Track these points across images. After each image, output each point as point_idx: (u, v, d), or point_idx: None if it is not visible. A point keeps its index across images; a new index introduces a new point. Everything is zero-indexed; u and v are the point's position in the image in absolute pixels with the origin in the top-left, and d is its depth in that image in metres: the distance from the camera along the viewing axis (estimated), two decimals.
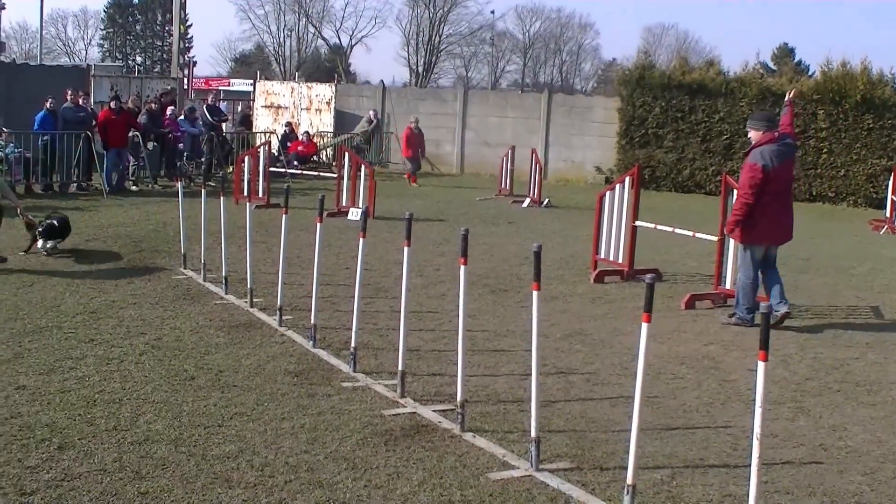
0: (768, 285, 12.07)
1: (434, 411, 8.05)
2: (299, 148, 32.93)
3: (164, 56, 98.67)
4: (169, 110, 27.93)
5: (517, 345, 10.41)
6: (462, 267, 7.57)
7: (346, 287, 12.25)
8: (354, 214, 20.39)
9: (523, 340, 10.11)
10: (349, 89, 42.32)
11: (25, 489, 6.09)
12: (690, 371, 9.88)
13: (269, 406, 8.02)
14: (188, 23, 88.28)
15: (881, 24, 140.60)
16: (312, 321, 10.04)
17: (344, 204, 21.70)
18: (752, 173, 11.66)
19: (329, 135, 37.25)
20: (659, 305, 12.38)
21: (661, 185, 33.07)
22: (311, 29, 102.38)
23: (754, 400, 5.44)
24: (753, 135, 12.03)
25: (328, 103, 38.19)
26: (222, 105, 40.56)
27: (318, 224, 10.09)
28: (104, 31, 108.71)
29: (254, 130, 34.69)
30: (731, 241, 12.55)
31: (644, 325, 5.89)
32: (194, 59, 76.33)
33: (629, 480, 5.99)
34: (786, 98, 13.10)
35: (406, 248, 8.35)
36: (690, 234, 14.67)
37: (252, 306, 11.62)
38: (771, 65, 78.48)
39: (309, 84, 40.78)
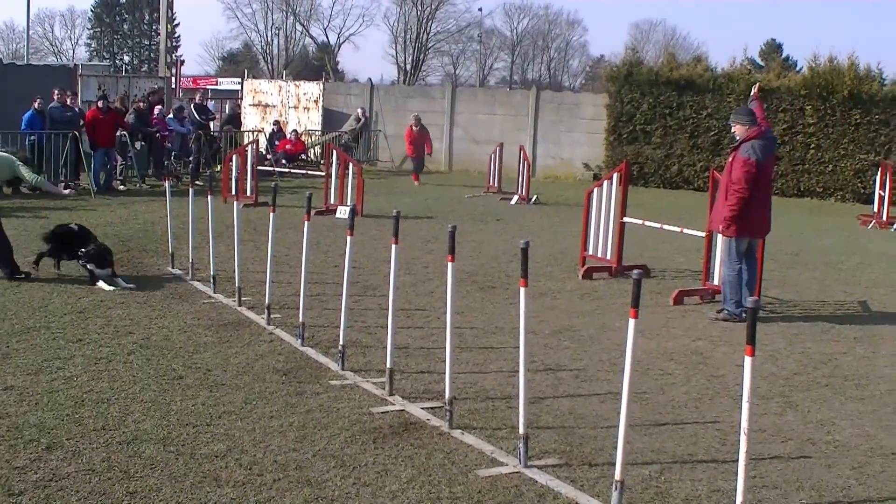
0: (746, 279, 12.10)
1: (422, 409, 8.05)
2: (287, 146, 32.90)
3: (152, 55, 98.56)
4: (157, 109, 27.89)
5: (505, 342, 10.41)
6: (450, 264, 7.57)
7: (334, 285, 12.24)
8: (342, 213, 20.38)
9: (511, 337, 10.11)
10: (337, 87, 42.32)
11: (13, 489, 6.07)
12: (679, 367, 9.89)
13: (258, 404, 8.01)
14: (175, 22, 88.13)
15: (869, 20, 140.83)
16: (301, 319, 10.04)
17: (332, 202, 21.68)
18: (746, 168, 11.69)
19: (317, 133, 37.22)
20: (647, 301, 12.43)
21: (649, 182, 33.10)
22: (299, 27, 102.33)
23: (742, 395, 5.44)
24: (739, 130, 12.06)
25: (316, 101, 38.16)
26: (210, 104, 40.49)
27: (306, 222, 10.09)
28: (91, 31, 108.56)
29: (242, 129, 34.65)
30: (719, 237, 12.53)
31: (631, 321, 5.89)
32: (182, 58, 76.18)
33: (617, 476, 5.99)
34: (751, 93, 13.15)
35: (394, 246, 8.35)
36: (679, 230, 14.70)
37: (240, 305, 11.61)
38: (759, 60, 78.66)
39: (297, 82, 40.75)
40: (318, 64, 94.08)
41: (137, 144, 26.25)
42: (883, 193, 25.01)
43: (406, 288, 12.80)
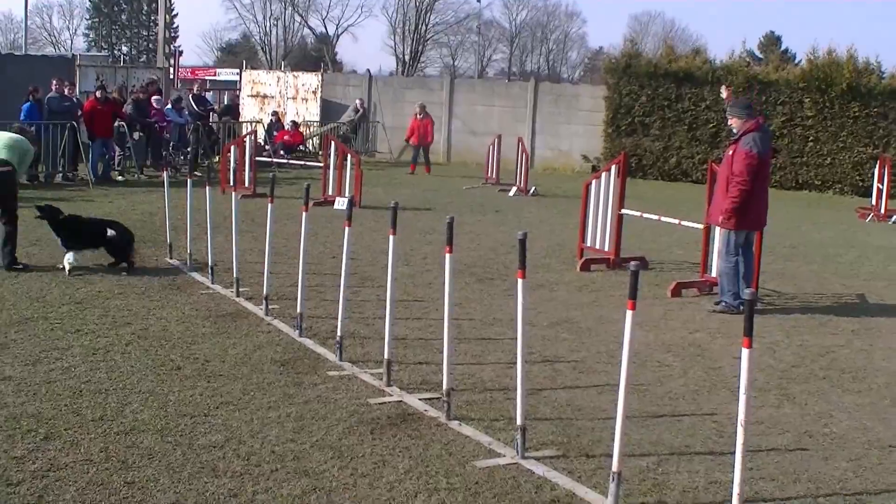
0: (743, 271, 12.11)
1: (420, 400, 8.06)
2: (285, 137, 32.90)
3: (150, 46, 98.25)
4: (155, 100, 27.86)
5: (503, 333, 10.42)
6: (448, 255, 7.57)
7: (332, 276, 12.24)
8: (341, 203, 20.38)
9: (509, 329, 10.10)
10: (336, 78, 42.29)
11: (11, 480, 6.08)
12: (677, 359, 9.90)
13: (256, 395, 8.02)
14: (174, 12, 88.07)
15: (868, 13, 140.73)
16: (299, 310, 10.04)
17: (330, 193, 21.67)
18: (749, 160, 11.70)
19: (315, 124, 37.19)
20: (645, 293, 12.45)
21: (647, 174, 33.12)
22: (298, 18, 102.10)
23: (740, 387, 5.45)
24: (736, 123, 12.08)
25: (314, 92, 38.12)
26: (208, 95, 40.47)
27: (304, 213, 10.10)
28: (89, 21, 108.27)
29: (240, 120, 34.62)
30: (717, 229, 12.51)
31: (629, 313, 5.89)
32: (180, 49, 76.35)
33: (615, 468, 6.00)
34: (724, 97, 13.17)
35: (392, 237, 8.35)
36: (677, 222, 14.70)
37: (238, 296, 11.61)
38: (757, 53, 78.59)
39: (295, 73, 40.69)
40: (316, 55, 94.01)
41: (136, 135, 26.22)
42: (881, 186, 25.02)
43: (404, 279, 12.80)
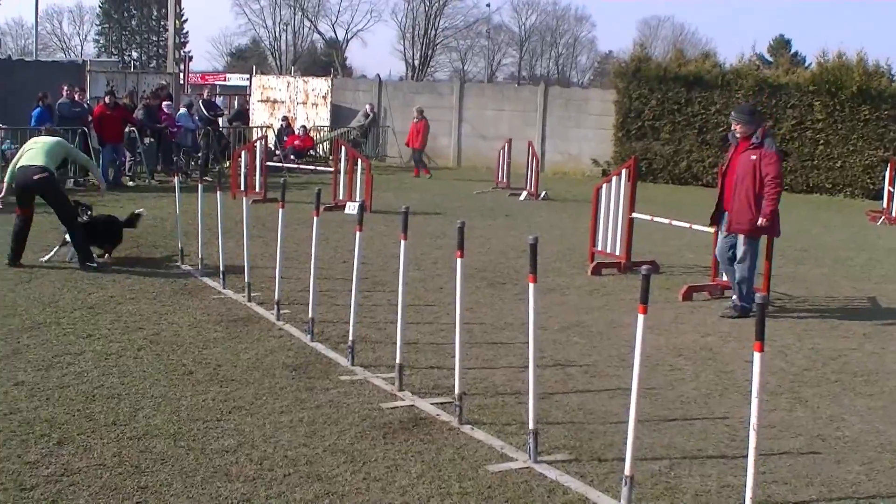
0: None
1: (432, 404, 8.07)
2: (296, 142, 32.95)
3: (160, 51, 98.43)
4: (165, 105, 27.92)
5: (515, 337, 10.42)
6: (458, 260, 7.58)
7: (343, 281, 12.26)
8: (351, 208, 20.39)
9: (521, 333, 10.10)
10: (345, 83, 42.31)
11: (25, 484, 6.10)
12: (688, 362, 9.90)
13: (268, 400, 8.03)
14: (184, 18, 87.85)
15: (878, 16, 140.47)
16: (310, 315, 10.05)
17: (341, 198, 21.68)
18: (779, 162, 11.89)
19: (325, 129, 37.24)
20: (656, 297, 12.44)
21: (658, 177, 33.08)
22: (307, 23, 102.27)
23: (751, 391, 5.45)
24: (741, 128, 12.04)
25: (324, 97, 38.18)
26: (218, 100, 40.52)
27: (315, 218, 10.11)
28: (100, 27, 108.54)
29: (250, 125, 34.68)
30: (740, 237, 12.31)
31: (640, 317, 5.89)
32: (190, 54, 76.21)
33: (627, 472, 6.00)
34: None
35: (403, 242, 8.36)
36: (687, 226, 14.68)
37: (250, 300, 11.63)
38: (767, 56, 78.39)
39: (305, 78, 40.73)
40: (326, 60, 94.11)
41: (146, 140, 26.28)
42: (892, 189, 24.95)
43: (415, 283, 12.81)
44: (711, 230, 13.14)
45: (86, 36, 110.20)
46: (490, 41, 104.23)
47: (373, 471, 6.57)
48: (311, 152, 34.30)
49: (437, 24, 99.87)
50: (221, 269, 12.48)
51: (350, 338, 9.20)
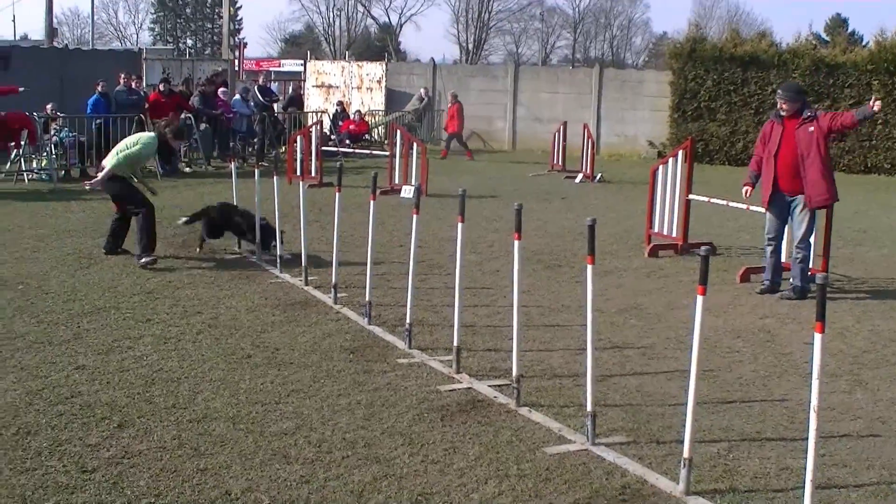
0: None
1: (490, 386, 8.07)
2: (351, 127, 32.99)
3: (215, 38, 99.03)
4: (221, 92, 28.07)
5: (572, 320, 10.40)
6: (516, 242, 7.57)
7: (399, 264, 12.30)
8: (407, 192, 20.42)
9: (578, 315, 10.09)
10: (399, 67, 42.32)
11: (87, 467, 6.16)
12: (746, 344, 9.84)
13: (326, 383, 8.06)
14: (238, 4, 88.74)
15: None
16: (367, 298, 10.08)
17: (396, 182, 21.70)
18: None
19: (380, 113, 37.30)
20: (714, 279, 12.34)
21: (714, 159, 32.87)
22: (361, 8, 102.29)
23: (811, 373, 5.41)
24: (789, 106, 11.93)
25: (379, 82, 38.25)
26: (273, 86, 40.68)
27: (372, 202, 10.13)
28: (154, 15, 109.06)
29: (305, 110, 34.80)
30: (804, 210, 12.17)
31: (699, 298, 5.86)
32: (244, 41, 76.53)
33: (686, 454, 5.98)
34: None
35: (460, 224, 8.36)
36: (744, 207, 14.57)
37: (307, 285, 11.68)
38: (824, 35, 77.64)
39: (359, 63, 40.81)
40: (380, 44, 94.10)
41: (202, 126, 26.43)
42: None
43: (472, 266, 12.81)
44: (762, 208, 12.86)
45: (141, 24, 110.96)
46: (544, 24, 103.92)
47: (430, 453, 6.59)
48: (367, 137, 34.34)
49: (490, 7, 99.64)
50: (279, 253, 12.54)
51: (407, 321, 9.22)
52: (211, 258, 13.31)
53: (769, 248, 12.28)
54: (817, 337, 5.27)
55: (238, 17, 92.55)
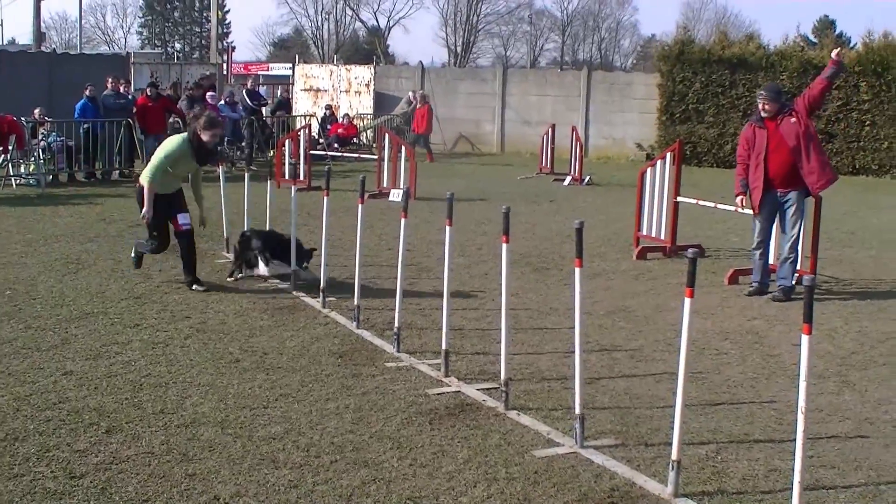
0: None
1: (478, 390, 8.07)
2: (339, 130, 32.99)
3: (203, 42, 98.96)
4: (209, 96, 28.04)
5: (560, 322, 10.41)
6: (504, 245, 7.57)
7: (388, 268, 12.30)
8: (395, 195, 20.41)
9: (566, 318, 10.09)
10: (388, 71, 42.35)
11: (75, 472, 6.15)
12: (735, 346, 9.85)
13: (314, 387, 8.06)
14: (226, 8, 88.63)
15: None
16: (356, 302, 10.07)
17: (385, 185, 21.72)
18: None
19: (369, 117, 37.30)
20: (702, 281, 12.39)
21: (702, 161, 32.93)
22: (349, 11, 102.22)
23: (798, 374, 5.41)
24: (771, 107, 11.96)
25: (367, 85, 38.27)
26: (262, 89, 40.67)
27: (360, 205, 10.12)
28: (143, 19, 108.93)
29: (293, 114, 34.79)
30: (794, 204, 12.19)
31: (687, 301, 5.87)
32: (233, 45, 76.72)
33: (674, 456, 5.98)
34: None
35: (448, 228, 8.36)
36: (733, 209, 14.58)
37: (295, 289, 11.67)
38: (812, 37, 77.81)
39: (348, 66, 40.83)
40: (368, 48, 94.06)
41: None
42: None
43: (460, 270, 12.82)
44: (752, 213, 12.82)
45: (129, 28, 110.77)
46: (532, 26, 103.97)
47: (419, 456, 6.58)
48: (355, 140, 34.34)
49: (479, 10, 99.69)
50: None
51: (396, 324, 9.22)
52: (198, 261, 13.25)
53: (757, 252, 12.31)
54: (804, 338, 5.28)
55: (226, 21, 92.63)
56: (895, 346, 10.02)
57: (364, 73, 38.91)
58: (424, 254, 14.11)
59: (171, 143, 11.96)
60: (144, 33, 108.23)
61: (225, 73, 43.19)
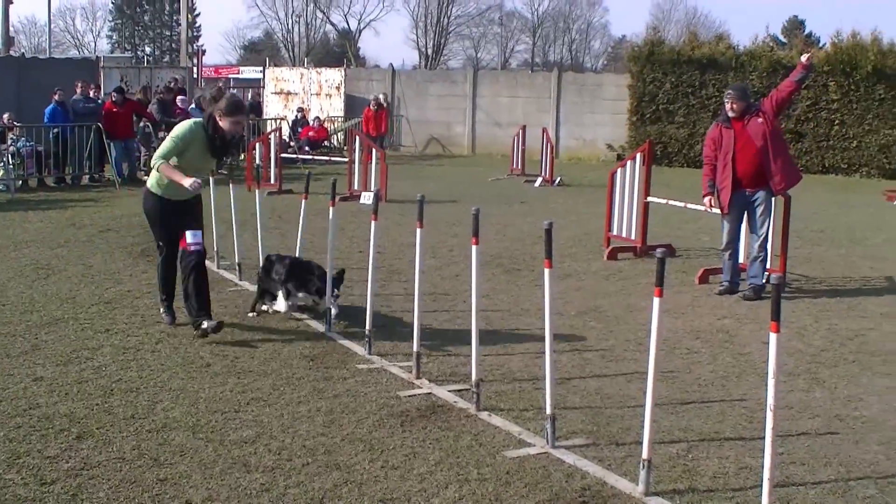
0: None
1: (450, 391, 8.08)
2: (310, 133, 32.98)
3: (173, 46, 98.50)
4: (179, 100, 28.00)
5: (532, 323, 10.43)
6: (474, 247, 7.58)
7: (359, 270, 12.28)
8: (367, 198, 20.43)
9: (538, 319, 10.11)
10: (359, 73, 42.39)
11: (45, 479, 6.12)
12: (705, 345, 9.89)
13: (286, 390, 8.04)
14: (196, 12, 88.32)
15: None
16: (327, 304, 10.06)
17: (356, 188, 21.73)
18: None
19: (340, 119, 37.27)
20: (673, 280, 12.44)
21: (673, 161, 33.08)
22: (320, 14, 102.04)
23: (768, 372, 5.44)
24: (739, 106, 12.03)
25: (338, 88, 38.25)
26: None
27: (332, 208, 10.11)
28: (112, 23, 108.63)
29: (264, 117, 34.74)
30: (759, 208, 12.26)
31: (656, 300, 5.89)
32: (203, 48, 76.47)
33: (645, 455, 6.00)
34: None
35: (419, 230, 8.38)
36: (703, 208, 14.64)
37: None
38: (781, 37, 78.12)
39: (318, 69, 40.81)
40: (339, 51, 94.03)
41: (161, 134, 26.34)
42: None
43: (431, 272, 12.82)
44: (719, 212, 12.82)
45: (99, 32, 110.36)
46: (503, 28, 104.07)
47: (391, 459, 6.58)
48: (326, 143, 34.33)
49: (449, 12, 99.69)
50: (237, 261, 12.51)
51: (367, 327, 9.22)
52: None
53: (727, 252, 12.37)
54: (772, 336, 5.30)
55: (196, 25, 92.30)
56: (864, 344, 10.09)
57: (334, 75, 38.90)
58: (395, 256, 14.12)
59: (182, 126, 9.75)
60: (114, 37, 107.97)
61: (195, 76, 43.08)
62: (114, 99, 24.73)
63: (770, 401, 5.33)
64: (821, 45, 48.60)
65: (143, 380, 8.26)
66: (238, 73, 78.81)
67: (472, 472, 6.39)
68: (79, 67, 33.86)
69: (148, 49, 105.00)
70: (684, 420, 7.54)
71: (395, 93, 37.87)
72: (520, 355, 9.28)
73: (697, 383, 8.57)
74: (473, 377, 7.66)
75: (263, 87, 40.81)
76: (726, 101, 12.24)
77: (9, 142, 22.77)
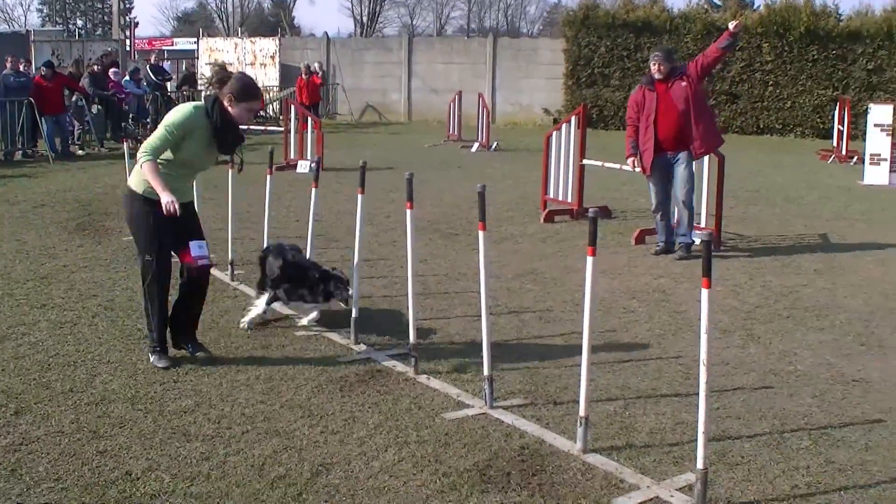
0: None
1: (388, 356, 8.11)
2: None
3: (106, 18, 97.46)
4: (112, 72, 27.73)
5: (469, 287, 10.46)
6: (408, 211, 7.60)
7: (297, 239, 12.21)
8: (303, 167, 20.37)
9: (475, 282, 10.08)
10: (293, 42, 42.16)
11: None
12: (642, 304, 9.98)
13: (224, 359, 8.03)
14: None
15: None
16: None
17: (292, 157, 21.64)
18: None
19: (275, 89, 37.07)
20: (609, 242, 12.54)
21: (609, 124, 33.24)
22: None
23: (701, 327, 5.50)
24: (665, 68, 12.12)
25: (272, 57, 38.07)
26: (166, 65, 40.25)
27: (269, 177, 10.08)
28: None
29: (199, 89, 34.49)
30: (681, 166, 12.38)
31: (590, 259, 5.95)
32: (136, 20, 75.49)
33: (582, 413, 6.06)
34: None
35: (360, 196, 8.40)
36: (639, 170, 14.73)
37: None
38: (716, 0, 78.49)
39: (253, 39, 40.57)
40: (273, 20, 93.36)
41: (94, 108, 26.11)
42: (842, 128, 25.16)
43: (368, 238, 12.79)
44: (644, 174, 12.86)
45: (29, 6, 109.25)
46: None
47: (330, 424, 6.60)
48: (262, 113, 34.15)
49: None
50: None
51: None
52: (105, 239, 13.14)
53: (658, 214, 12.47)
54: (704, 293, 5.37)
55: None
56: (798, 300, 10.23)
57: (269, 45, 38.72)
58: (333, 224, 14.10)
59: (177, 111, 7.94)
60: (45, 10, 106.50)
61: (128, 48, 42.67)
62: (43, 73, 24.43)
63: (703, 356, 5.40)
64: (755, 7, 48.96)
65: (81, 353, 8.21)
66: (172, 44, 78.04)
67: (411, 434, 6.42)
68: (8, 42, 33.53)
69: (80, 22, 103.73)
70: (621, 378, 7.62)
71: (331, 61, 37.72)
72: (457, 318, 9.33)
73: (634, 342, 8.66)
74: (411, 341, 7.69)
75: (198, 59, 40.53)
76: (652, 62, 12.32)
77: None
